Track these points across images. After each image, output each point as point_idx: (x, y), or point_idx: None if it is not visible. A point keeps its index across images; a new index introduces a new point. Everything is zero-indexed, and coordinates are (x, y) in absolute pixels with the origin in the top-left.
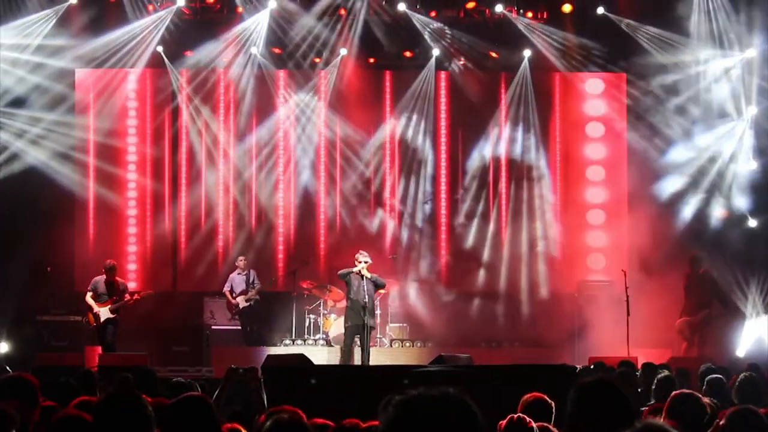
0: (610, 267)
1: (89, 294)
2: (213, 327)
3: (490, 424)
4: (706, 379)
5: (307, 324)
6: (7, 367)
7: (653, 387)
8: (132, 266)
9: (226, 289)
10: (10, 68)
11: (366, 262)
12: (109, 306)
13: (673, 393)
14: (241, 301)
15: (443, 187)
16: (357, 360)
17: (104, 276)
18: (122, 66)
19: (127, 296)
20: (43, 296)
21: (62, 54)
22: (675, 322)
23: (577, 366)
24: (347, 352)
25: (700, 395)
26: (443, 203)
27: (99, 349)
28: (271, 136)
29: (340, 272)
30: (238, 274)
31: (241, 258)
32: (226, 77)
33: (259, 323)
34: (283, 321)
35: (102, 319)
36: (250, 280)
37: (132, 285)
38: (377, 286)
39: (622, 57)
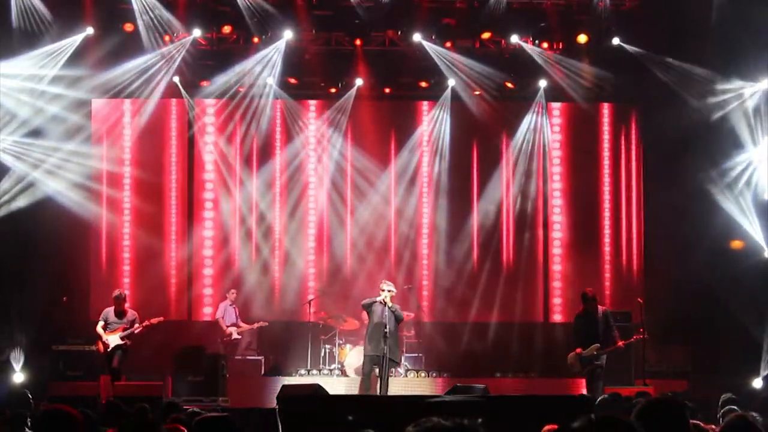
0: (625, 298)
1: (100, 324)
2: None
3: None
4: (723, 410)
5: (322, 354)
6: (29, 395)
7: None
8: (147, 295)
9: (219, 315)
10: (28, 98)
11: (390, 291)
12: (119, 333)
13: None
14: (234, 332)
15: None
16: (375, 389)
17: (113, 306)
18: (138, 96)
19: (137, 324)
20: (58, 326)
21: (79, 84)
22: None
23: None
24: (366, 380)
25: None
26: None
27: (108, 378)
28: (287, 166)
29: (363, 302)
30: (230, 305)
31: (232, 291)
32: (241, 107)
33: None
34: (299, 351)
35: (111, 346)
36: (237, 314)
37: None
38: (397, 318)
39: (636, 87)
